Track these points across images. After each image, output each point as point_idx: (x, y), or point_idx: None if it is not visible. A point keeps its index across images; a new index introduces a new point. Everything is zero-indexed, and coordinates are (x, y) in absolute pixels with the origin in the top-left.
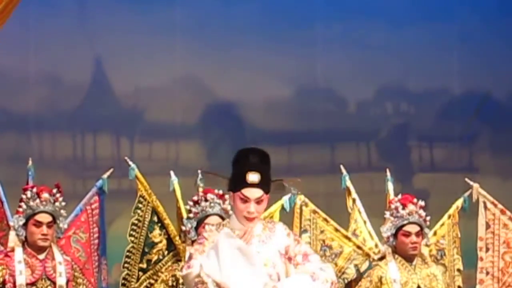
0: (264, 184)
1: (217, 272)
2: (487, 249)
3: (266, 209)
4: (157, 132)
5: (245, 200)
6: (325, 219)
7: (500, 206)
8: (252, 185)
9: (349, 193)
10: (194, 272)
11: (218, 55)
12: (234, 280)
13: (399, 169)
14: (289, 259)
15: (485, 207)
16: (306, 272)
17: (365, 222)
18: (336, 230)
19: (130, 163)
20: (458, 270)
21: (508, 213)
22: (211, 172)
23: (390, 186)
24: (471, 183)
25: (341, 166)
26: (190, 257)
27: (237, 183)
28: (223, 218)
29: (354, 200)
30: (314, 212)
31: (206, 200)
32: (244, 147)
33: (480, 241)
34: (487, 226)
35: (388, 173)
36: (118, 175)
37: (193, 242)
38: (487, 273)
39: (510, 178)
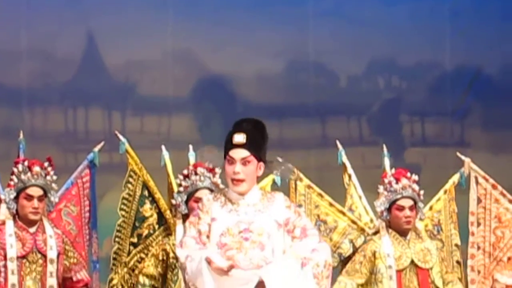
0: (251, 146)
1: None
2: (479, 224)
3: (257, 183)
4: (148, 106)
5: (231, 161)
6: (320, 194)
7: (491, 181)
8: (238, 146)
9: (345, 168)
10: (182, 258)
11: (210, 29)
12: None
13: (390, 143)
14: (288, 231)
15: (477, 182)
16: (298, 255)
17: (360, 197)
18: (331, 205)
19: (121, 137)
20: (456, 245)
21: (499, 188)
22: (215, 149)
23: (387, 161)
24: (463, 157)
25: (337, 142)
26: (185, 232)
27: (225, 148)
28: (212, 192)
29: (350, 176)
30: (309, 187)
31: (196, 174)
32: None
33: (471, 216)
34: (479, 201)
35: (385, 149)
36: (109, 149)
37: (183, 216)
38: (478, 247)
39: (502, 153)
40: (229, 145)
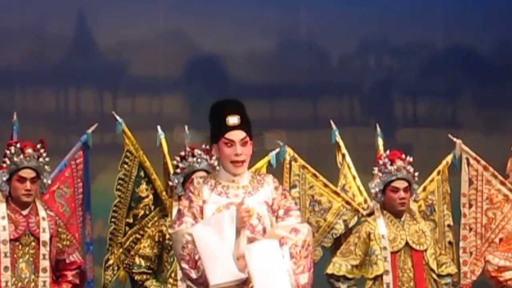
0: (245, 126)
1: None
2: (470, 206)
3: (252, 165)
4: (140, 86)
5: (230, 143)
6: (314, 175)
7: (483, 162)
8: (234, 128)
9: (339, 148)
10: (186, 229)
11: (201, 8)
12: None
13: (382, 123)
14: (273, 211)
15: (468, 163)
16: (276, 235)
17: (354, 177)
18: (325, 185)
19: (117, 117)
20: (449, 226)
21: (491, 169)
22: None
23: (380, 141)
24: (454, 139)
25: (331, 121)
26: (181, 214)
27: (218, 131)
28: (209, 174)
29: (343, 156)
30: (303, 167)
31: (193, 156)
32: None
33: (463, 197)
34: (470, 182)
35: (378, 129)
36: (101, 130)
37: (179, 197)
38: (470, 229)
39: (494, 134)
40: (224, 127)
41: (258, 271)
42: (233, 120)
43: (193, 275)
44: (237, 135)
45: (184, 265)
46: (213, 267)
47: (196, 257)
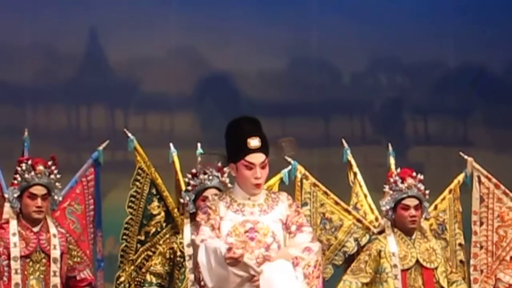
0: (265, 148)
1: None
2: (481, 223)
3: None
4: (151, 103)
5: (250, 166)
6: (325, 192)
7: (494, 180)
8: (255, 150)
9: (351, 167)
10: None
11: (213, 26)
12: None
13: (393, 142)
14: (286, 228)
15: (479, 181)
16: (289, 255)
17: (365, 196)
18: (336, 203)
19: (129, 134)
20: (460, 244)
21: (502, 187)
22: (208, 152)
23: (392, 160)
24: (466, 157)
25: (343, 140)
26: (199, 226)
27: (238, 152)
28: (221, 191)
29: (355, 174)
30: (315, 185)
31: (204, 173)
32: (234, 118)
33: (474, 215)
34: (481, 200)
35: (390, 148)
36: (112, 147)
37: (191, 214)
38: (481, 247)
39: (505, 152)
40: (245, 149)
41: None
42: (254, 143)
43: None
44: (258, 158)
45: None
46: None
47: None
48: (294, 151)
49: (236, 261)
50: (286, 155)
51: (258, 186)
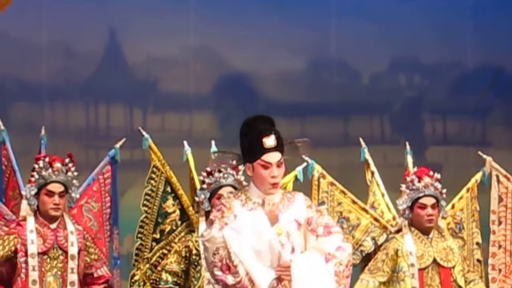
0: (280, 146)
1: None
2: (500, 223)
3: None
4: (170, 103)
5: (267, 166)
6: (343, 191)
7: None
8: (270, 149)
9: (368, 166)
10: (216, 233)
11: (232, 26)
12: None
13: (412, 142)
14: (312, 230)
15: (498, 181)
16: (322, 250)
17: (383, 195)
18: (354, 202)
19: (144, 133)
20: (477, 243)
21: None
22: (221, 151)
23: (410, 159)
24: (484, 156)
25: (360, 139)
26: (211, 223)
27: (254, 151)
28: (236, 189)
29: (373, 173)
30: (332, 184)
31: (219, 171)
32: (248, 117)
33: (492, 214)
34: (500, 199)
35: (408, 146)
36: (130, 146)
37: (206, 213)
38: (499, 246)
39: None
40: (260, 149)
41: (302, 283)
42: (270, 142)
43: (230, 281)
44: (274, 157)
45: (218, 272)
46: (258, 272)
47: (231, 262)
48: (308, 152)
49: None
50: (301, 155)
51: (275, 185)
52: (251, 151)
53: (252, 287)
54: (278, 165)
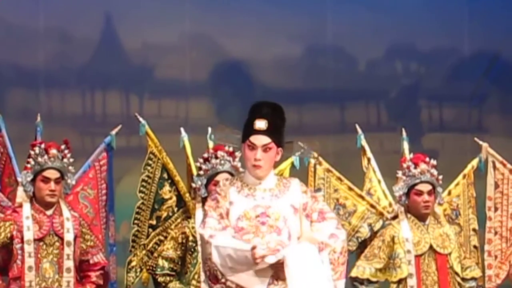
0: (272, 132)
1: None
2: (496, 209)
3: (276, 167)
4: (166, 90)
5: (252, 147)
6: (339, 178)
7: (509, 166)
8: (259, 132)
9: (364, 152)
10: (206, 235)
11: (228, 13)
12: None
13: (408, 128)
14: (307, 216)
15: (494, 167)
16: (315, 240)
17: (379, 181)
18: (350, 189)
19: (141, 119)
20: (474, 229)
21: None
22: (226, 128)
23: (406, 146)
24: (481, 142)
25: (356, 126)
26: (206, 215)
27: (245, 132)
28: (233, 176)
29: (369, 160)
30: (328, 170)
31: (216, 158)
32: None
33: (488, 200)
34: (496, 186)
35: (404, 133)
36: (127, 132)
37: (203, 199)
38: (496, 232)
39: None
40: (250, 130)
41: (296, 276)
42: (259, 124)
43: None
44: (260, 140)
45: (207, 279)
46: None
47: (219, 274)
48: (309, 156)
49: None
50: (301, 156)
51: (256, 167)
52: (244, 132)
53: None
54: (265, 149)
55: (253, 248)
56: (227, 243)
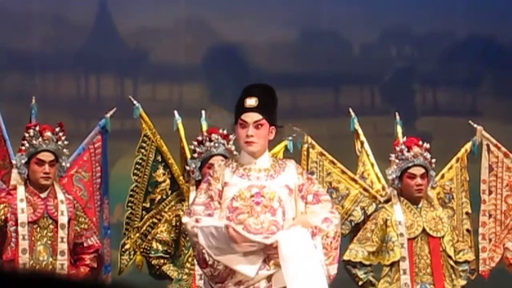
0: (263, 110)
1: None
2: (490, 192)
3: (270, 149)
4: (160, 73)
5: (244, 125)
6: (332, 161)
7: (503, 149)
8: (250, 110)
9: (358, 135)
10: (189, 224)
11: None
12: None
13: (402, 112)
14: (302, 197)
15: (489, 150)
16: (309, 224)
17: (372, 164)
18: (343, 172)
19: (135, 102)
20: (467, 213)
21: (511, 156)
22: (220, 109)
23: (399, 129)
24: (475, 125)
25: (350, 109)
26: (193, 200)
27: (237, 112)
28: (227, 158)
29: (362, 143)
30: (321, 154)
31: (210, 140)
32: None
33: (483, 184)
34: (490, 169)
35: (398, 116)
36: (121, 115)
37: (197, 182)
38: (490, 215)
39: None
40: (241, 109)
41: (289, 259)
42: (250, 102)
43: (208, 273)
44: (252, 116)
45: (197, 263)
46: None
47: (206, 257)
48: (300, 140)
49: (239, 236)
50: (294, 141)
51: (249, 144)
52: (235, 113)
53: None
54: (256, 126)
55: (227, 227)
56: (209, 222)
